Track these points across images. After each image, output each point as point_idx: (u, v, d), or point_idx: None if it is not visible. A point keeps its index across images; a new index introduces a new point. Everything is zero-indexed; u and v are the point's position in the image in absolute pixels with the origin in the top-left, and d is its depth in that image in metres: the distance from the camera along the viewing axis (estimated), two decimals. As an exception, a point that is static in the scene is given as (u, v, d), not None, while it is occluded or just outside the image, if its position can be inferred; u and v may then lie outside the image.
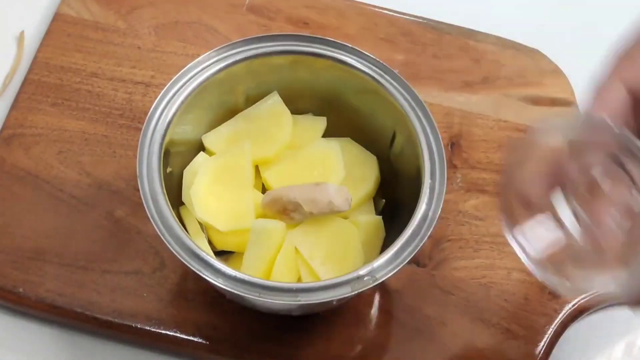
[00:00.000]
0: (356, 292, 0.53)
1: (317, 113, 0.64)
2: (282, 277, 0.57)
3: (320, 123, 0.63)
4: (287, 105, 0.62)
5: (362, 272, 0.53)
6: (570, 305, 0.64)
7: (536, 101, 0.72)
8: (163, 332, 0.61)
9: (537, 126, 0.50)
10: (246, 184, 0.59)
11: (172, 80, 0.59)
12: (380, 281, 0.53)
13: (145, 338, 0.61)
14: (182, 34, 0.73)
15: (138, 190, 0.55)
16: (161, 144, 0.57)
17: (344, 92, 0.62)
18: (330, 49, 0.60)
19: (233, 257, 0.61)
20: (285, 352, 0.61)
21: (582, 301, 0.64)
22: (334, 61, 0.60)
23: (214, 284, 0.53)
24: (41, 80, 0.70)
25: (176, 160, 0.60)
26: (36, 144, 0.67)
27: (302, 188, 0.58)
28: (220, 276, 0.53)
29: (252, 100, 0.63)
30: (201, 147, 0.62)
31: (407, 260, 0.54)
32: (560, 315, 0.63)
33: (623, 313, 0.66)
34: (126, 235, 0.64)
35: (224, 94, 0.62)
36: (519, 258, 0.49)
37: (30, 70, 0.70)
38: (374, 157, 0.63)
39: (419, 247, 0.54)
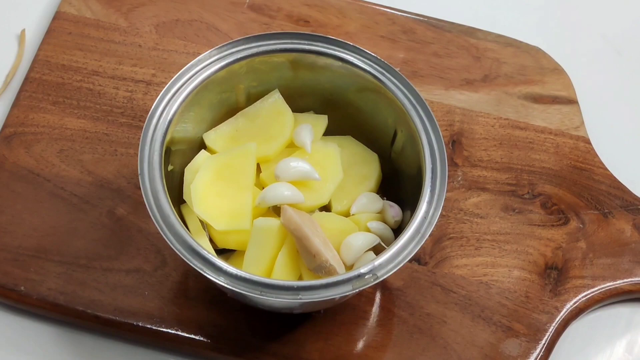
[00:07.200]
0: (357, 290, 0.53)
1: (318, 111, 0.64)
2: (283, 275, 0.57)
3: (322, 121, 0.63)
4: (288, 103, 0.62)
5: (363, 270, 0.53)
6: (571, 303, 0.64)
7: (537, 99, 0.72)
8: (164, 330, 0.61)
9: None
10: (247, 185, 0.59)
11: (173, 78, 0.59)
12: (381, 279, 0.53)
13: (146, 336, 0.61)
14: (183, 32, 0.73)
15: (139, 188, 0.55)
16: (162, 142, 0.57)
17: (345, 90, 0.62)
18: (331, 47, 0.60)
19: (234, 255, 0.61)
20: (287, 350, 0.61)
21: (584, 299, 0.64)
22: (335, 59, 0.60)
23: (216, 282, 0.53)
24: (42, 79, 0.70)
25: (177, 158, 0.60)
26: (37, 142, 0.67)
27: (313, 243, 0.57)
28: (222, 274, 0.53)
29: (253, 98, 0.63)
30: (202, 145, 0.62)
31: (408, 259, 0.54)
32: (562, 313, 0.63)
33: (624, 311, 0.66)
34: (127, 233, 0.64)
35: (225, 92, 0.62)
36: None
37: (31, 68, 0.70)
38: (376, 155, 0.63)
39: (420, 245, 0.55)
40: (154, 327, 0.61)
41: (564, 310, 0.64)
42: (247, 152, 0.60)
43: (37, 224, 0.64)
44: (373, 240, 0.59)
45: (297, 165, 0.59)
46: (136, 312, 0.61)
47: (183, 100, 0.59)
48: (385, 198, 0.63)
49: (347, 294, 0.53)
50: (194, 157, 0.61)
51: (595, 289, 0.64)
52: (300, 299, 0.53)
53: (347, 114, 0.64)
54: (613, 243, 0.66)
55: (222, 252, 0.61)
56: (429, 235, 0.55)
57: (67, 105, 0.69)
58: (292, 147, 0.62)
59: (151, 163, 0.56)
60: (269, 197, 0.59)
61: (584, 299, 0.64)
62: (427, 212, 0.56)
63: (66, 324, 0.63)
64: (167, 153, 0.58)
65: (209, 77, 0.59)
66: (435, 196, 0.56)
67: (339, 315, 0.62)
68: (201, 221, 0.60)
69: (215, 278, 0.53)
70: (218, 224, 0.58)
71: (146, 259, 0.63)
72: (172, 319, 0.61)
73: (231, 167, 0.60)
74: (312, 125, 0.62)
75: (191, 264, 0.53)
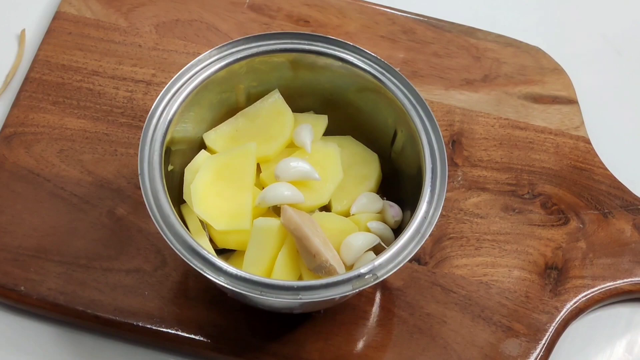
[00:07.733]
0: (357, 290, 0.53)
1: (318, 111, 0.64)
2: (283, 275, 0.57)
3: (322, 121, 0.63)
4: (288, 103, 0.62)
5: (363, 270, 0.53)
6: (571, 303, 0.64)
7: (537, 99, 0.72)
8: (164, 330, 0.61)
9: None
10: (247, 185, 0.59)
11: (173, 78, 0.59)
12: (381, 279, 0.53)
13: (146, 336, 0.61)
14: (183, 32, 0.73)
15: (139, 188, 0.55)
16: (162, 142, 0.57)
17: (345, 90, 0.62)
18: (331, 47, 0.60)
19: (234, 255, 0.61)
20: (287, 350, 0.61)
21: (584, 299, 0.64)
22: (335, 59, 0.60)
23: (216, 282, 0.53)
24: (42, 79, 0.70)
25: (177, 158, 0.60)
26: (37, 142, 0.67)
27: (313, 243, 0.57)
28: (222, 274, 0.53)
29: (253, 98, 0.63)
30: (202, 145, 0.62)
31: (408, 259, 0.54)
32: (562, 313, 0.63)
33: (624, 311, 0.66)
34: (127, 233, 0.64)
35: (224, 92, 0.62)
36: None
37: (32, 68, 0.70)
38: (376, 155, 0.63)
39: (420, 245, 0.55)
40: (154, 327, 0.61)
41: (564, 310, 0.64)
42: (247, 152, 0.60)
43: (37, 224, 0.64)
44: (373, 240, 0.59)
45: (297, 165, 0.59)
46: (136, 312, 0.61)
47: (183, 100, 0.59)
48: (385, 198, 0.63)
49: (347, 294, 0.53)
50: (194, 157, 0.61)
51: (595, 289, 0.64)
52: (300, 299, 0.53)
53: (347, 114, 0.64)
54: (613, 243, 0.66)
55: (222, 252, 0.61)
56: (429, 235, 0.55)
57: (67, 105, 0.69)
58: (292, 147, 0.62)
59: (151, 163, 0.56)
60: (269, 197, 0.59)
61: (584, 299, 0.64)
62: (427, 212, 0.56)
63: (66, 324, 0.63)
64: (167, 153, 0.58)
65: (209, 77, 0.59)
66: (435, 196, 0.56)
67: (339, 315, 0.62)
68: (201, 221, 0.60)
69: (215, 278, 0.53)
70: (218, 224, 0.58)
71: (146, 259, 0.63)
72: (172, 319, 0.61)
73: (231, 167, 0.60)
74: (312, 125, 0.62)
75: (191, 264, 0.53)
